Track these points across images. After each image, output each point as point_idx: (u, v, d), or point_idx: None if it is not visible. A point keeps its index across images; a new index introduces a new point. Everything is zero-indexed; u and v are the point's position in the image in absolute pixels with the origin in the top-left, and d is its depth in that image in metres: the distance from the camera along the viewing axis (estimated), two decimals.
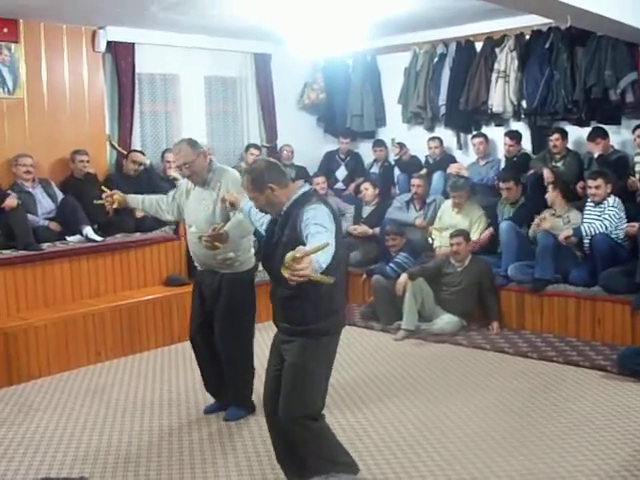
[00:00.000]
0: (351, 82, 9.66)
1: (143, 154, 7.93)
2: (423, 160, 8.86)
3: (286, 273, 2.71)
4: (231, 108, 9.29)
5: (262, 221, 3.87)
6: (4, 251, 6.41)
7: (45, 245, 6.66)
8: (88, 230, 6.91)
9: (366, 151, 9.62)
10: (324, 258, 2.91)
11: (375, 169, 9.34)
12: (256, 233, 4.75)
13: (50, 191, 7.13)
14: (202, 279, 4.88)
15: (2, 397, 5.62)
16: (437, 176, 8.38)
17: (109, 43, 7.75)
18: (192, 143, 4.67)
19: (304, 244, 3.03)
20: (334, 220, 3.31)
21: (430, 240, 7.77)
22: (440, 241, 7.56)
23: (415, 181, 8.10)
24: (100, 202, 5.08)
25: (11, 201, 6.51)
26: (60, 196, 7.12)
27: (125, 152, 7.88)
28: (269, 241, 3.52)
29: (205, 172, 4.68)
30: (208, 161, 4.74)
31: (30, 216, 6.72)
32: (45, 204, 7.02)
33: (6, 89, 7.12)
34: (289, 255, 2.71)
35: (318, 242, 2.93)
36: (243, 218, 4.39)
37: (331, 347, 3.56)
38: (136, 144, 8.15)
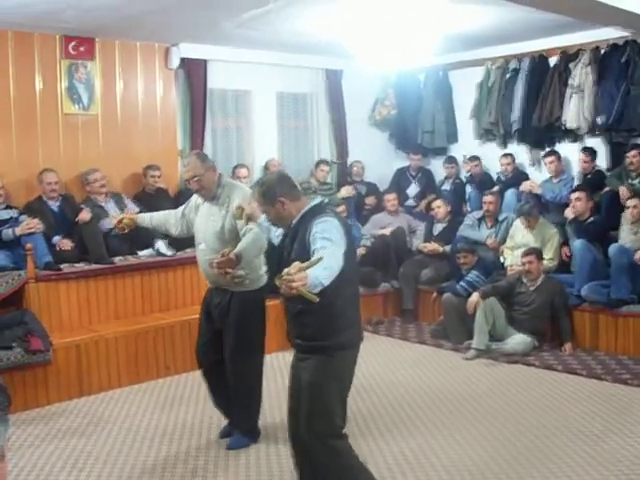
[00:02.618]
0: (423, 98, 9.64)
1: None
2: (495, 177, 8.80)
3: (278, 284, 2.74)
4: (302, 124, 9.36)
5: (280, 231, 3.85)
6: (77, 264, 6.57)
7: (117, 259, 6.80)
8: (160, 244, 7.03)
9: (437, 168, 9.60)
10: (325, 274, 2.88)
11: (447, 186, 9.29)
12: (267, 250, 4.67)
13: (122, 204, 7.24)
14: (211, 297, 4.79)
15: (73, 408, 5.74)
16: (509, 193, 8.28)
17: (182, 60, 7.89)
18: (201, 156, 4.66)
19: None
20: (345, 234, 3.27)
21: (502, 259, 7.70)
22: (512, 260, 7.46)
23: (487, 198, 8.04)
24: (115, 229, 5.15)
25: (85, 215, 6.70)
26: (132, 208, 7.18)
27: None
28: (280, 256, 3.49)
29: (214, 187, 4.60)
30: (217, 176, 4.66)
31: (104, 226, 6.81)
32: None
33: (81, 105, 7.32)
34: (286, 270, 2.74)
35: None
36: (259, 234, 4.34)
37: (347, 363, 3.49)
38: None
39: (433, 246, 8.19)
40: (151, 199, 7.41)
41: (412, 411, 5.45)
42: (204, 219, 4.68)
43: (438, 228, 8.37)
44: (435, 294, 7.68)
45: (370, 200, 9.26)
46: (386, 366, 6.64)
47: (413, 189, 9.49)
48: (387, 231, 8.43)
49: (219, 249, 4.49)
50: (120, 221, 5.01)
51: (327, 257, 2.94)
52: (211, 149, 8.31)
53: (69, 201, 6.96)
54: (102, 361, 6.14)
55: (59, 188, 6.87)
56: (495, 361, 6.60)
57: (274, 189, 3.45)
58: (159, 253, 7.00)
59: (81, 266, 6.56)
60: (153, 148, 7.77)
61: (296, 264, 2.79)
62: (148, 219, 5.11)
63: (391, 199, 8.77)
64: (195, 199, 4.85)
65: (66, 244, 6.64)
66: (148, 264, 6.87)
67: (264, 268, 4.76)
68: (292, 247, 3.36)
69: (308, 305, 3.08)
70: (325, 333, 3.38)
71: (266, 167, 8.61)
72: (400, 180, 9.58)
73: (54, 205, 6.81)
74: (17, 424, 5.33)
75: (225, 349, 4.68)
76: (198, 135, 8.12)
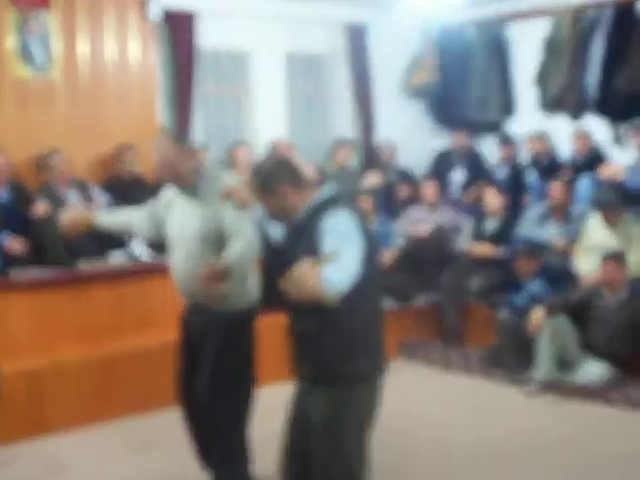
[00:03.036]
0: (472, 58, 9.68)
1: (206, 148, 8.04)
2: (565, 160, 8.81)
3: (286, 286, 2.79)
4: (317, 94, 9.46)
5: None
6: (30, 269, 6.57)
7: (81, 263, 6.82)
8: (136, 245, 7.06)
9: (490, 148, 9.63)
10: (340, 277, 2.93)
11: (502, 171, 9.25)
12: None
13: (87, 195, 7.27)
14: (188, 318, 4.78)
15: (26, 452, 5.72)
16: (584, 181, 8.28)
17: (164, 12, 7.95)
18: (177, 138, 4.70)
19: None
20: (362, 233, 3.30)
21: (574, 265, 7.65)
22: (587, 266, 7.41)
23: (555, 187, 8.03)
24: (63, 229, 5.01)
25: (40, 208, 6.70)
26: (101, 200, 7.26)
27: None
28: (280, 259, 3.48)
29: (193, 177, 4.55)
30: (197, 163, 4.67)
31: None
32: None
33: (35, 67, 7.34)
34: (294, 268, 2.80)
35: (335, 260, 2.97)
36: (252, 237, 4.37)
37: (368, 397, 3.50)
38: (197, 137, 8.32)
39: (484, 248, 8.19)
40: (125, 188, 7.43)
41: (453, 467, 5.35)
42: (180, 218, 4.64)
43: (490, 225, 8.35)
44: (486, 310, 7.69)
45: (403, 190, 9.28)
46: (421, 403, 6.61)
47: (458, 176, 9.47)
48: (425, 229, 8.40)
49: (199, 256, 4.47)
50: (73, 221, 4.89)
51: (341, 257, 2.98)
52: (202, 125, 8.43)
53: (20, 190, 6.96)
54: (62, 393, 6.11)
55: (7, 173, 6.86)
56: (564, 397, 6.56)
57: (274, 175, 3.51)
58: (133, 256, 7.03)
59: (36, 272, 6.56)
60: (128, 123, 7.76)
61: (306, 261, 2.86)
62: (108, 219, 5.06)
63: (430, 189, 8.71)
64: (166, 196, 4.82)
65: (16, 244, 6.62)
66: (121, 270, 6.90)
67: (252, 280, 4.70)
68: (296, 248, 3.39)
69: (318, 323, 3.21)
70: (340, 358, 3.40)
71: (273, 148, 8.63)
72: (441, 165, 9.59)
73: (1, 195, 6.81)
74: None
75: (197, 385, 4.64)
76: (184, 107, 8.19)
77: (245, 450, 4.81)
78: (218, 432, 4.68)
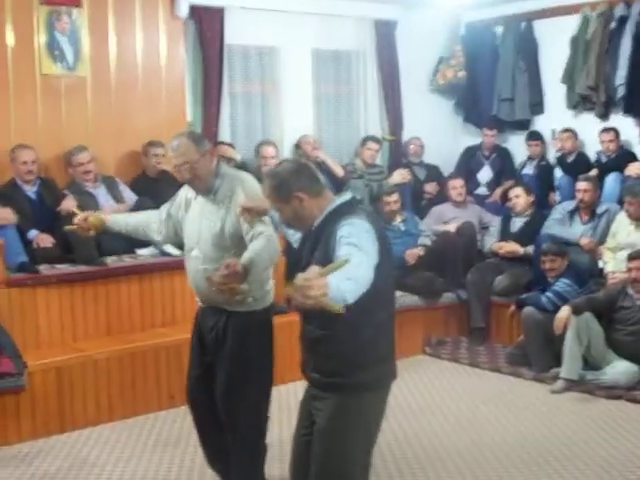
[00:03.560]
0: (499, 56, 9.64)
1: (233, 147, 8.10)
2: (593, 158, 8.75)
3: (291, 292, 2.69)
4: (345, 90, 9.41)
5: (298, 235, 3.84)
6: (59, 265, 6.58)
7: (110, 259, 6.80)
8: None
9: (517, 146, 9.60)
10: (349, 287, 2.82)
11: (529, 169, 9.26)
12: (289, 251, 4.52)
13: (115, 192, 7.30)
14: (203, 319, 4.69)
15: (52, 447, 5.72)
16: (611, 179, 8.25)
17: (192, 8, 7.93)
18: (195, 137, 4.52)
19: None
20: (378, 241, 3.23)
21: (601, 263, 7.65)
22: (614, 265, 7.39)
23: (582, 185, 7.94)
24: (71, 228, 4.96)
25: (69, 203, 6.58)
26: (129, 197, 7.29)
27: (211, 145, 7.98)
28: (297, 265, 3.40)
29: (211, 178, 4.46)
30: (215, 163, 4.54)
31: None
32: (109, 207, 7.03)
33: (65, 64, 7.30)
34: (301, 275, 2.70)
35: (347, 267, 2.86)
36: (272, 239, 4.28)
37: (376, 407, 3.48)
38: (224, 134, 8.31)
39: (511, 246, 8.13)
40: (153, 185, 7.41)
41: (479, 465, 5.29)
42: (197, 219, 4.56)
43: (517, 223, 8.30)
44: (513, 308, 7.62)
45: (431, 187, 9.30)
46: (447, 400, 6.61)
47: (486, 173, 9.49)
48: (452, 227, 8.41)
49: (217, 258, 4.39)
50: (85, 219, 4.82)
51: (353, 267, 2.88)
52: (229, 121, 8.44)
53: (49, 186, 6.98)
54: (89, 388, 6.11)
55: (37, 169, 6.87)
56: (591, 395, 6.54)
57: (290, 181, 3.41)
58: (164, 252, 6.97)
59: (64, 268, 6.55)
60: (156, 120, 7.73)
61: (314, 268, 2.77)
62: (122, 221, 4.98)
63: (457, 186, 8.72)
64: (185, 193, 4.73)
65: (45, 240, 6.65)
66: (149, 266, 6.86)
67: (271, 282, 4.65)
68: (312, 255, 3.35)
69: (328, 330, 3.18)
70: (350, 368, 3.37)
71: (298, 146, 8.66)
72: (469, 162, 9.60)
73: (30, 191, 6.83)
74: None
75: (217, 387, 4.57)
76: (212, 103, 8.17)
77: (262, 452, 4.76)
78: (236, 434, 4.59)
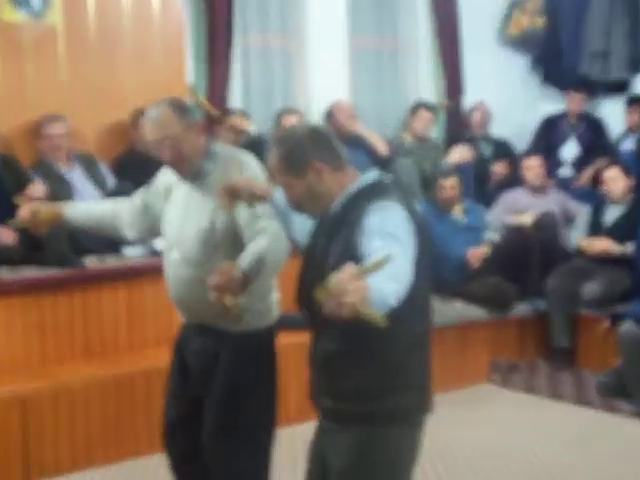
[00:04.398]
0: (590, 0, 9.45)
1: (246, 117, 7.97)
2: None
3: (323, 298, 2.53)
4: (389, 43, 9.26)
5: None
6: (24, 269, 6.39)
7: (89, 260, 6.64)
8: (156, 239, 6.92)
9: (613, 114, 9.51)
10: (393, 289, 2.72)
11: (628, 144, 9.08)
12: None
13: (96, 174, 7.17)
14: (187, 341, 4.45)
15: None
16: None
17: None
18: (180, 107, 4.21)
19: None
20: (414, 231, 3.09)
21: None
22: None
23: None
24: (16, 223, 4.76)
25: (37, 189, 6.48)
26: (112, 181, 7.11)
27: (218, 113, 7.94)
28: (308, 261, 3.34)
29: (199, 158, 4.23)
30: (204, 140, 4.28)
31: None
32: (87, 194, 6.99)
33: (30, 10, 7.09)
34: (334, 277, 2.56)
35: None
36: (278, 237, 4.01)
37: (406, 444, 3.33)
38: (235, 100, 8.24)
39: (603, 244, 7.87)
40: (143, 166, 7.09)
41: None
42: (180, 210, 4.31)
43: (613, 214, 8.07)
44: (607, 323, 7.39)
45: (500, 168, 9.16)
46: (520, 443, 6.38)
47: (571, 149, 9.37)
48: (528, 219, 8.25)
49: (203, 260, 4.14)
50: (34, 214, 4.60)
51: (394, 263, 2.74)
52: (241, 84, 8.27)
53: (10, 166, 6.78)
54: (62, 425, 5.89)
55: None
56: None
57: (305, 147, 3.26)
58: (157, 252, 6.64)
59: (31, 271, 6.40)
60: (148, 82, 7.51)
61: (349, 266, 2.58)
62: (84, 213, 4.72)
63: (534, 166, 8.53)
64: (165, 178, 4.48)
65: (5, 236, 6.44)
66: (139, 269, 6.64)
67: (275, 294, 4.35)
68: (330, 246, 3.19)
69: (349, 344, 3.13)
70: (374, 391, 3.24)
71: (330, 115, 8.45)
72: (550, 135, 9.44)
73: None
74: None
75: (206, 429, 4.33)
76: (220, 61, 8.03)
77: None
78: None
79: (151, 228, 4.60)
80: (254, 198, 3.79)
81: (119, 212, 4.64)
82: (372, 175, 3.28)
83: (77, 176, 7.10)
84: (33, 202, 4.74)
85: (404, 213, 3.10)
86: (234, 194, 3.80)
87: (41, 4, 7.17)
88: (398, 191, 3.27)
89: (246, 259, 3.94)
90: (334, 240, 3.17)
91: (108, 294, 6.61)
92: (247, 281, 3.88)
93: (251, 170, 4.22)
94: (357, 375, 3.23)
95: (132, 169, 7.25)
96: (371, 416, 3.22)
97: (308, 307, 3.22)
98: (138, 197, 4.60)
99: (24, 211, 4.62)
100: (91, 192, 7.09)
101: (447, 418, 6.48)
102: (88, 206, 4.84)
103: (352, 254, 2.98)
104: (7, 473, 5.75)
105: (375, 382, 3.21)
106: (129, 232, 4.65)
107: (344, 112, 8.33)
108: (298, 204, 3.38)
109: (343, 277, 2.53)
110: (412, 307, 3.01)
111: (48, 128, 7.00)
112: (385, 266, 2.64)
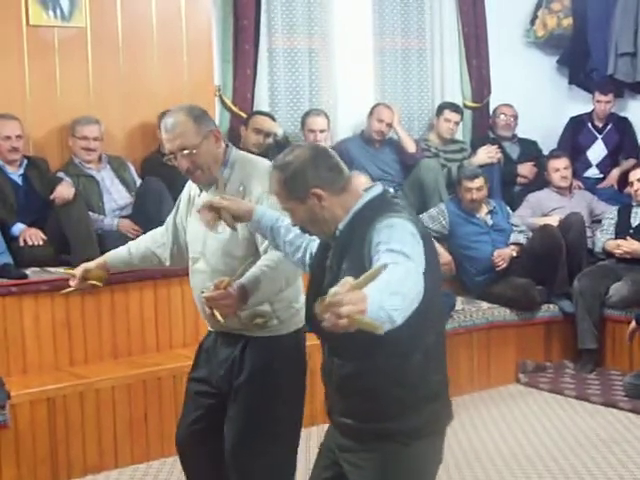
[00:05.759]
0: None
1: (273, 119, 7.93)
2: None
3: (320, 311, 2.53)
4: (415, 43, 9.18)
5: (304, 245, 3.66)
6: (52, 269, 6.43)
7: None
8: None
9: None
10: (395, 303, 2.65)
11: None
12: None
13: (125, 175, 7.21)
14: (213, 350, 4.39)
15: None
16: None
17: None
18: (197, 115, 4.11)
19: None
20: (423, 244, 3.08)
21: None
22: None
23: None
24: (69, 292, 4.72)
25: (65, 190, 6.58)
26: (138, 183, 7.15)
27: (244, 115, 7.92)
28: (317, 282, 3.29)
29: (217, 167, 4.17)
30: (223, 148, 4.20)
31: (93, 214, 6.82)
32: (117, 195, 7.09)
33: (59, 13, 7.15)
34: (332, 290, 2.56)
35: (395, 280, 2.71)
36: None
37: (432, 457, 3.32)
38: (262, 102, 8.23)
39: (631, 245, 7.95)
40: (170, 169, 7.27)
41: None
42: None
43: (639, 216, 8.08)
44: (634, 324, 7.19)
45: (526, 169, 9.13)
46: (547, 444, 6.37)
47: (598, 151, 9.33)
48: (554, 220, 8.27)
49: (229, 271, 4.06)
50: (84, 278, 4.57)
51: (399, 278, 2.74)
52: (267, 86, 8.25)
53: (39, 168, 6.86)
54: (90, 425, 5.91)
55: (23, 147, 6.79)
56: None
57: (306, 173, 3.23)
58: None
59: (59, 273, 6.24)
60: (175, 83, 7.58)
61: (347, 280, 2.58)
62: (125, 254, 4.70)
63: (561, 167, 8.53)
64: (188, 190, 4.47)
65: (34, 236, 6.56)
66: (167, 269, 6.69)
67: (301, 299, 4.17)
68: (339, 268, 3.16)
69: (365, 362, 3.09)
70: (396, 409, 3.22)
71: (371, 114, 8.51)
72: (577, 136, 9.38)
73: (15, 174, 6.74)
74: None
75: (226, 437, 4.24)
76: (247, 63, 7.99)
77: None
78: None
79: (178, 249, 4.60)
80: (235, 219, 3.80)
81: (155, 240, 4.66)
82: (376, 189, 3.29)
83: (106, 176, 7.13)
84: (80, 268, 4.63)
85: (411, 227, 3.09)
86: (216, 212, 3.80)
87: (69, 7, 7.21)
88: (400, 205, 3.26)
89: (250, 274, 3.95)
90: (343, 261, 3.17)
91: (136, 295, 6.62)
92: (246, 295, 3.90)
93: (267, 181, 3.95)
94: (376, 395, 3.22)
95: (156, 169, 7.26)
96: (394, 434, 3.22)
97: (317, 326, 3.18)
98: (170, 219, 4.60)
99: (75, 282, 4.59)
100: (119, 192, 7.18)
101: (475, 418, 6.58)
102: (128, 247, 4.74)
103: (364, 271, 2.86)
104: (35, 474, 5.79)
105: (395, 400, 3.21)
106: (167, 257, 4.65)
107: (383, 113, 8.38)
108: (302, 228, 3.39)
109: (339, 290, 2.54)
110: (425, 318, 3.02)
111: (84, 130, 7.01)
112: (382, 276, 2.64)
